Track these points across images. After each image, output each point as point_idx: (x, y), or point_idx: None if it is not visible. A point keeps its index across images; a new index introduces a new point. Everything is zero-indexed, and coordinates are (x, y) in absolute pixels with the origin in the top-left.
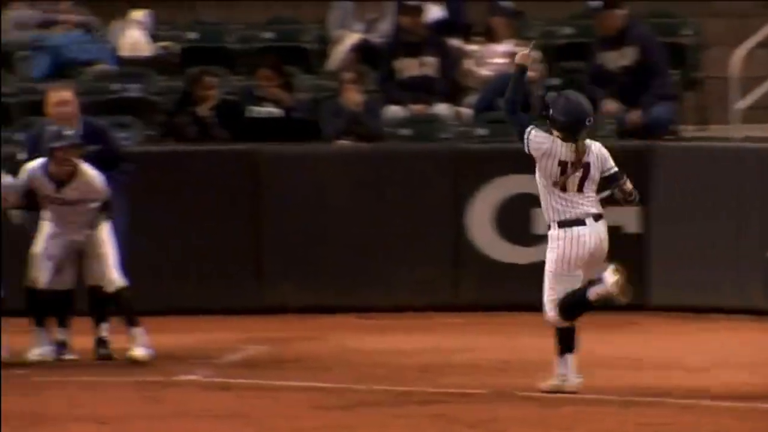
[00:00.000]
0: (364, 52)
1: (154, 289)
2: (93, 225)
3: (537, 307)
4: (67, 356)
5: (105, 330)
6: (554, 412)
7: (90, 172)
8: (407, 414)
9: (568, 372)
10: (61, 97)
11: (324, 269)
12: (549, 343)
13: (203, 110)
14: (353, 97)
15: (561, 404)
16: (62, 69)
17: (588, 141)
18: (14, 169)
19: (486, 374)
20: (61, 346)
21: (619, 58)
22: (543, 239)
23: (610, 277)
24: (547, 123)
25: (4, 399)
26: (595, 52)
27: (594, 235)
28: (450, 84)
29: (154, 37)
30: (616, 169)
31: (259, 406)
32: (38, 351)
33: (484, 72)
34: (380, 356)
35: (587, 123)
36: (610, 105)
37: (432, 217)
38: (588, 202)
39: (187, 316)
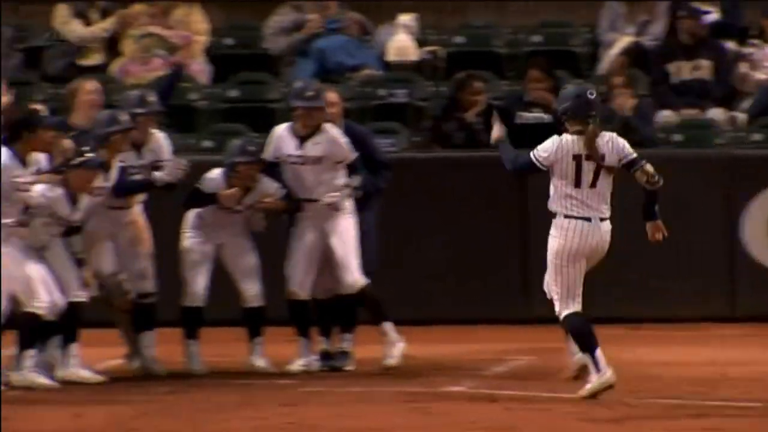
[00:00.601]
0: (635, 55)
1: (419, 300)
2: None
3: None
4: (348, 366)
5: (348, 341)
6: None
7: (334, 129)
8: (679, 428)
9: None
10: (328, 98)
11: (592, 279)
12: None
13: (470, 116)
14: (624, 102)
15: None
16: (328, 74)
17: (603, 132)
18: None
19: (763, 388)
20: (326, 356)
21: None
22: None
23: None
24: (562, 126)
25: (267, 410)
26: None
27: (597, 232)
28: (725, 88)
29: (421, 42)
30: (635, 154)
31: (527, 418)
32: (302, 362)
33: (760, 75)
34: (653, 368)
35: (590, 96)
36: None
37: (704, 225)
38: (597, 204)
39: (454, 326)
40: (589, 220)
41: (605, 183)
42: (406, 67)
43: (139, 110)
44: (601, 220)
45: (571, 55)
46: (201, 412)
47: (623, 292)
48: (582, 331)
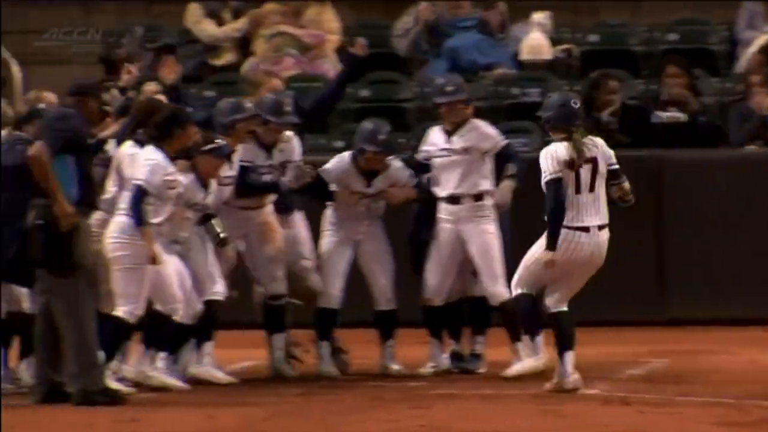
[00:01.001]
0: None
1: None
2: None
3: None
4: (480, 369)
5: (480, 343)
6: None
7: (480, 121)
8: None
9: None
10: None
11: (729, 280)
12: None
13: (605, 115)
14: (762, 100)
15: None
16: (460, 73)
17: (591, 137)
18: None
19: None
20: (457, 358)
21: None
22: None
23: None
24: (546, 133)
25: (398, 412)
26: None
27: (593, 245)
28: None
29: (555, 40)
30: (617, 166)
31: (659, 422)
32: (433, 363)
33: None
34: None
35: (573, 105)
36: None
37: None
38: (596, 209)
39: (587, 328)
40: (587, 230)
41: (602, 188)
42: (539, 65)
43: (272, 119)
44: (600, 228)
45: (708, 54)
46: (332, 414)
47: (759, 292)
48: (530, 313)
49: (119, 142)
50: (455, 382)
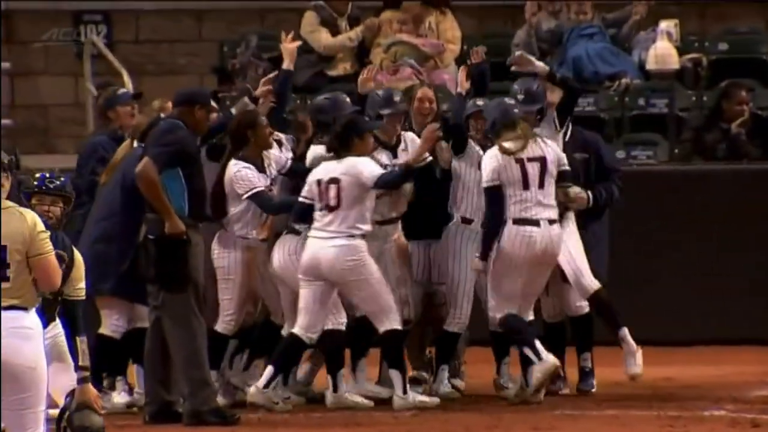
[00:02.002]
0: None
1: (676, 319)
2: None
3: None
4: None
5: (586, 360)
6: None
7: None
8: None
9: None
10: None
11: None
12: None
13: (734, 126)
14: None
15: None
16: (583, 83)
17: (543, 139)
18: None
19: None
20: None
21: None
22: None
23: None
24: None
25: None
26: None
27: (546, 239)
28: None
29: (682, 49)
30: (568, 168)
31: None
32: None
33: None
34: None
35: (509, 102)
36: None
37: None
38: (546, 205)
39: (714, 347)
40: (537, 224)
41: (552, 187)
42: (666, 75)
43: (386, 111)
44: (551, 222)
45: None
46: None
47: None
48: (519, 327)
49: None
50: (576, 401)
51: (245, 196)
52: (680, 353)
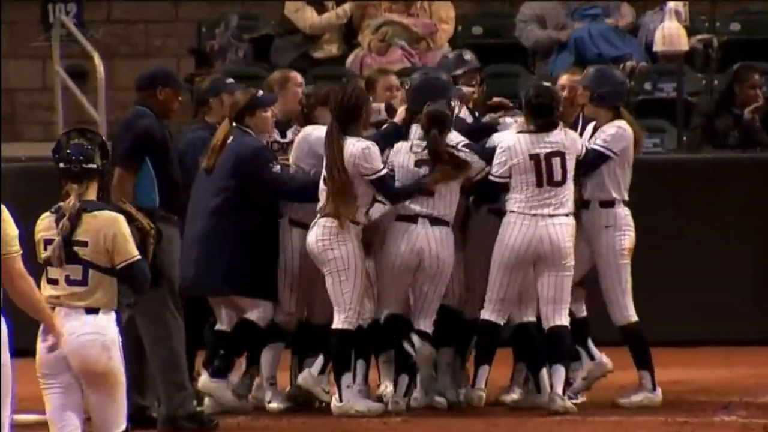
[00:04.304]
0: None
1: (686, 318)
2: None
3: None
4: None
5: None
6: None
7: None
8: None
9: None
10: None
11: None
12: None
13: (747, 112)
14: None
15: None
16: (587, 65)
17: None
18: None
19: None
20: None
21: None
22: None
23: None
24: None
25: None
26: None
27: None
28: None
29: (691, 30)
30: None
31: None
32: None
33: None
34: None
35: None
36: None
37: None
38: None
39: (724, 348)
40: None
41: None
42: (674, 58)
43: (459, 70)
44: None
45: None
46: None
47: None
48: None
49: None
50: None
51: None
52: (688, 354)
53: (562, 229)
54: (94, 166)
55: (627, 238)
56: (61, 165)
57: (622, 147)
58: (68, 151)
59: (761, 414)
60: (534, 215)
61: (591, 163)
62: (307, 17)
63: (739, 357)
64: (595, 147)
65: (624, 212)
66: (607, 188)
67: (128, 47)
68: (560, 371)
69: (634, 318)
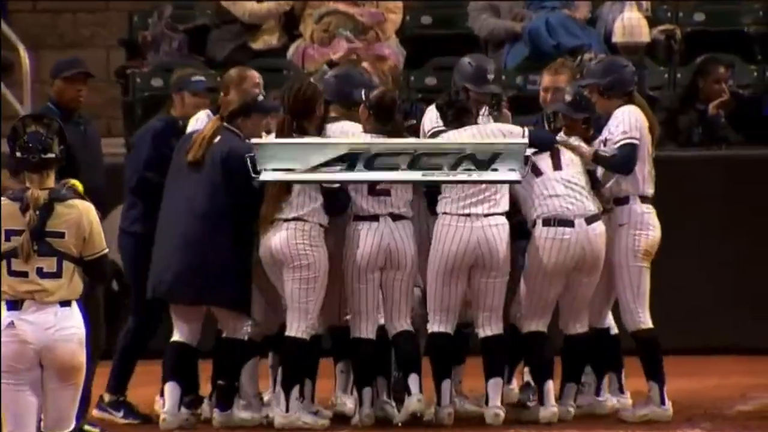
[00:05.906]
0: None
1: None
2: None
3: None
4: None
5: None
6: None
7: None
8: None
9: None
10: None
11: None
12: None
13: (712, 107)
14: None
15: None
16: (542, 57)
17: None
18: None
19: None
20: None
21: None
22: None
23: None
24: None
25: None
26: None
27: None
28: None
29: (653, 20)
30: None
31: None
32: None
33: None
34: None
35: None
36: None
37: None
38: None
39: (687, 357)
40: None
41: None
42: (635, 50)
43: (472, 87)
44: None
45: None
46: None
47: None
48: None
49: None
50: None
51: None
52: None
53: (498, 230)
54: (53, 155)
55: (644, 238)
56: (18, 154)
57: (638, 127)
58: (25, 139)
59: (726, 426)
60: (468, 215)
61: (626, 158)
62: (246, 6)
63: (706, 366)
64: (622, 142)
65: (641, 209)
66: (620, 184)
67: (55, 38)
68: (498, 384)
69: (647, 325)
